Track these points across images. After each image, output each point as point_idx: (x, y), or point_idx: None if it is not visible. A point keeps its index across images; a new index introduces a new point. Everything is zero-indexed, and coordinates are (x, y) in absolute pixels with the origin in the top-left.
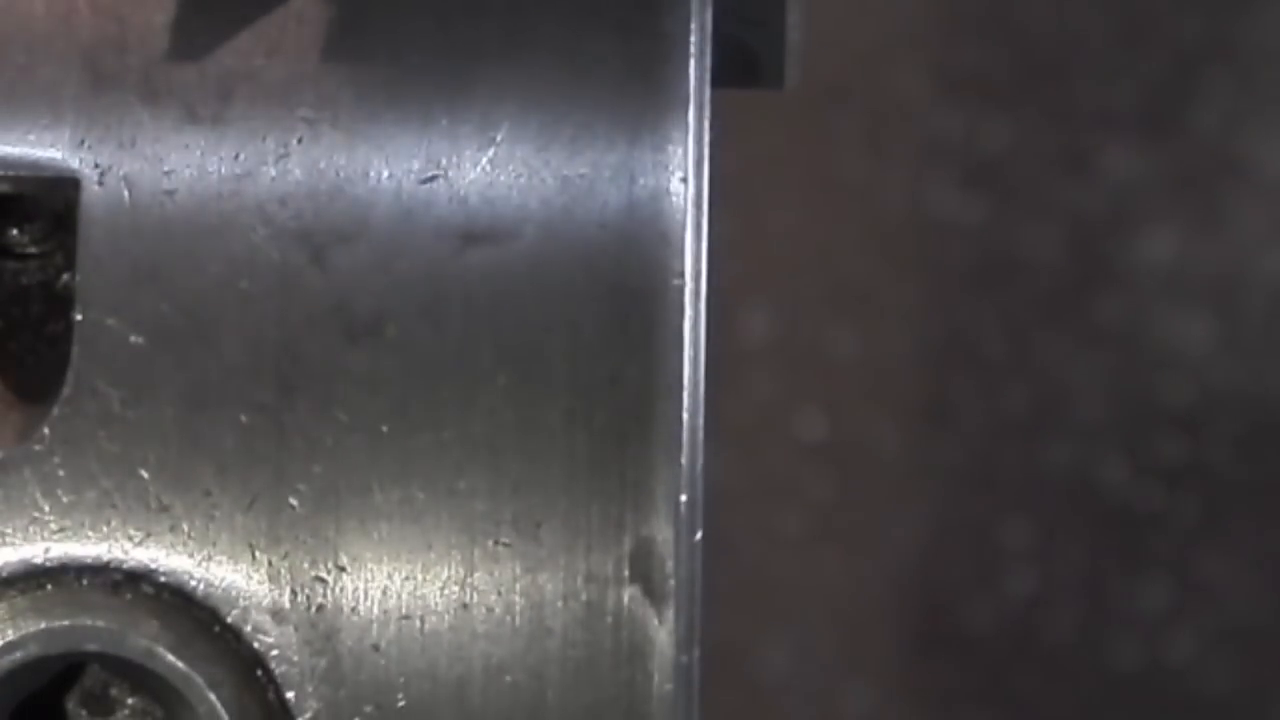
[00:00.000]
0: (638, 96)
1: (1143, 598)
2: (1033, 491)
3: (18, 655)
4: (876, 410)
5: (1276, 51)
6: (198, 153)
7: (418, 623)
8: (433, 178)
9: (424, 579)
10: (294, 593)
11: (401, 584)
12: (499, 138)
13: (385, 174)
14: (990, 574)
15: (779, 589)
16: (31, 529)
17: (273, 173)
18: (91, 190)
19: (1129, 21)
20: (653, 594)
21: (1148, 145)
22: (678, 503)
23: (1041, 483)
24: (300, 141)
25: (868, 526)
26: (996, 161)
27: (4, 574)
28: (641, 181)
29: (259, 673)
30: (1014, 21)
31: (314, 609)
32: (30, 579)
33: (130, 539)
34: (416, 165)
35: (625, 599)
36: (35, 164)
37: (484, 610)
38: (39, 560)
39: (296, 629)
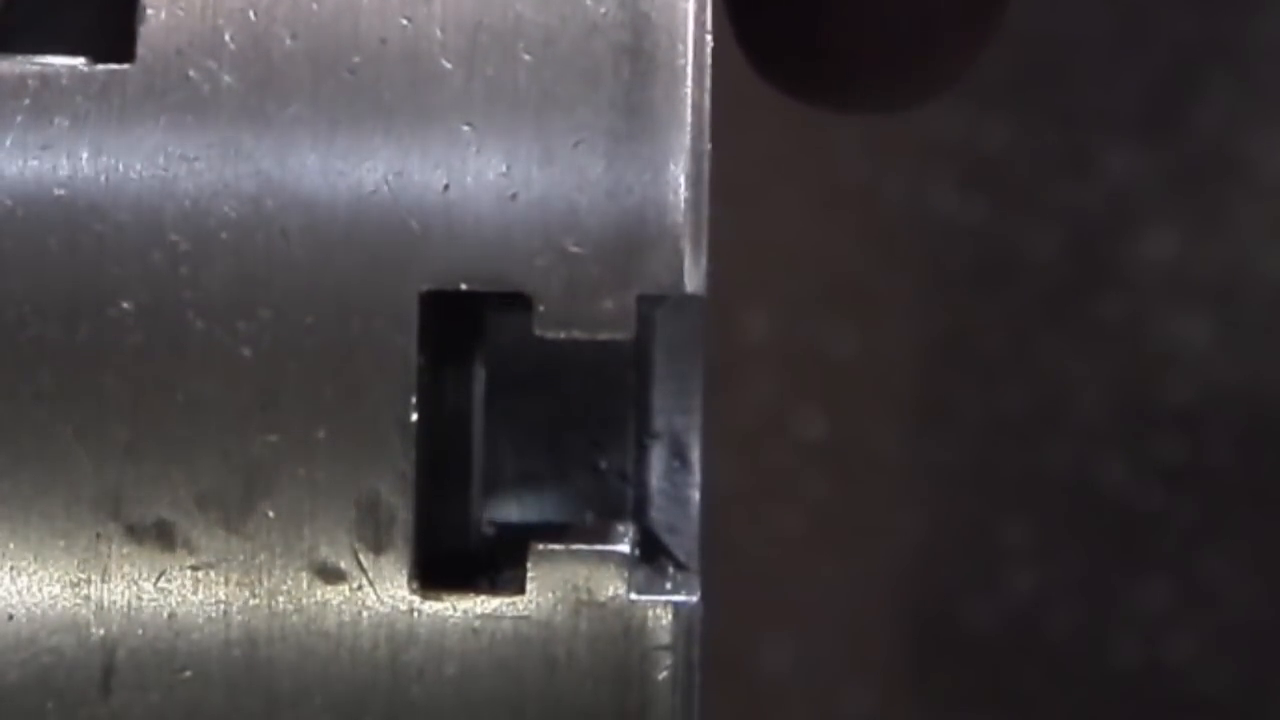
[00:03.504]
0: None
1: (1143, 598)
2: (1033, 491)
3: None
4: (876, 410)
5: (1277, 51)
6: None
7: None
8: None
9: None
10: None
11: None
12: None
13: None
14: (990, 574)
15: (779, 589)
16: None
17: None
18: None
19: (1129, 21)
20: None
21: (1148, 145)
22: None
23: (1041, 483)
24: None
25: (868, 526)
26: (996, 161)
27: None
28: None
29: None
30: (1014, 21)
31: None
32: None
33: None
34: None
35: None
36: None
37: None
38: None
39: None
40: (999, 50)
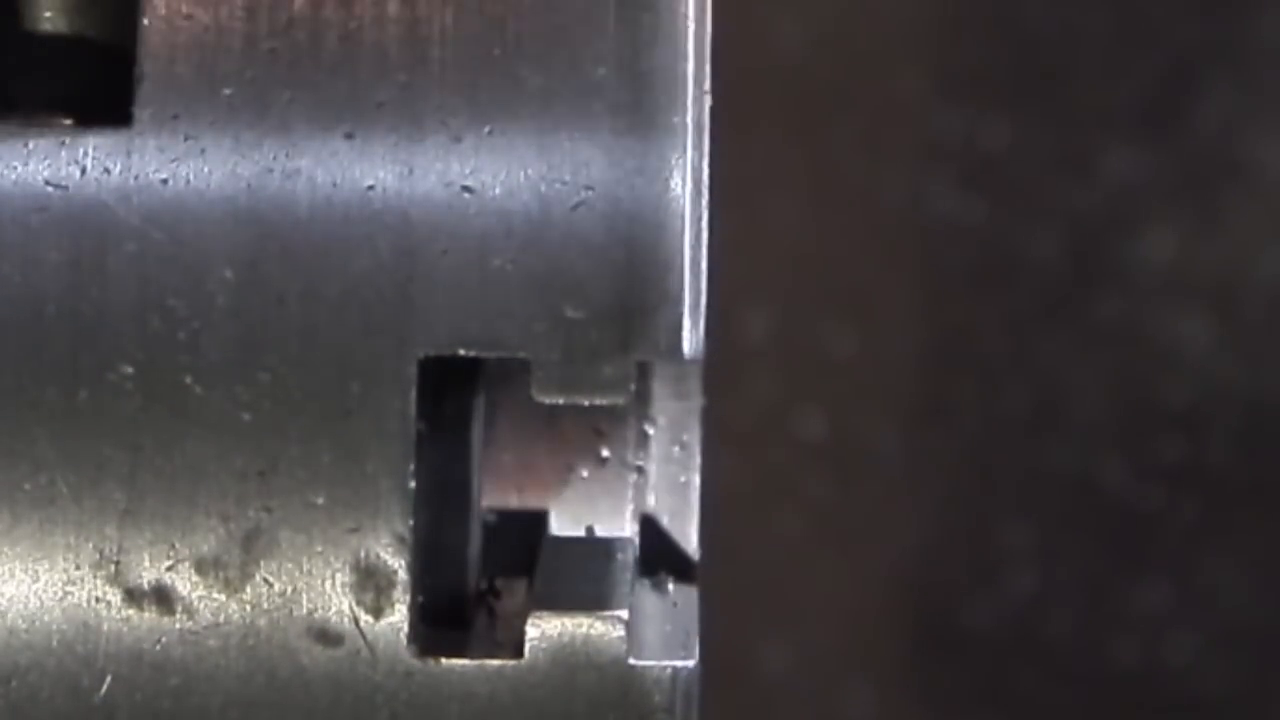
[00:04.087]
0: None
1: (1143, 598)
2: (1033, 491)
3: None
4: (876, 410)
5: (1276, 51)
6: None
7: None
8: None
9: None
10: None
11: None
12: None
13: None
14: (990, 574)
15: (779, 589)
16: None
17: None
18: None
19: (1129, 21)
20: None
21: (1148, 145)
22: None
23: (1041, 483)
24: None
25: (868, 526)
26: (996, 161)
27: None
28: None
29: None
30: (1014, 21)
31: None
32: None
33: None
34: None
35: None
36: None
37: None
38: None
39: None
40: (999, 50)
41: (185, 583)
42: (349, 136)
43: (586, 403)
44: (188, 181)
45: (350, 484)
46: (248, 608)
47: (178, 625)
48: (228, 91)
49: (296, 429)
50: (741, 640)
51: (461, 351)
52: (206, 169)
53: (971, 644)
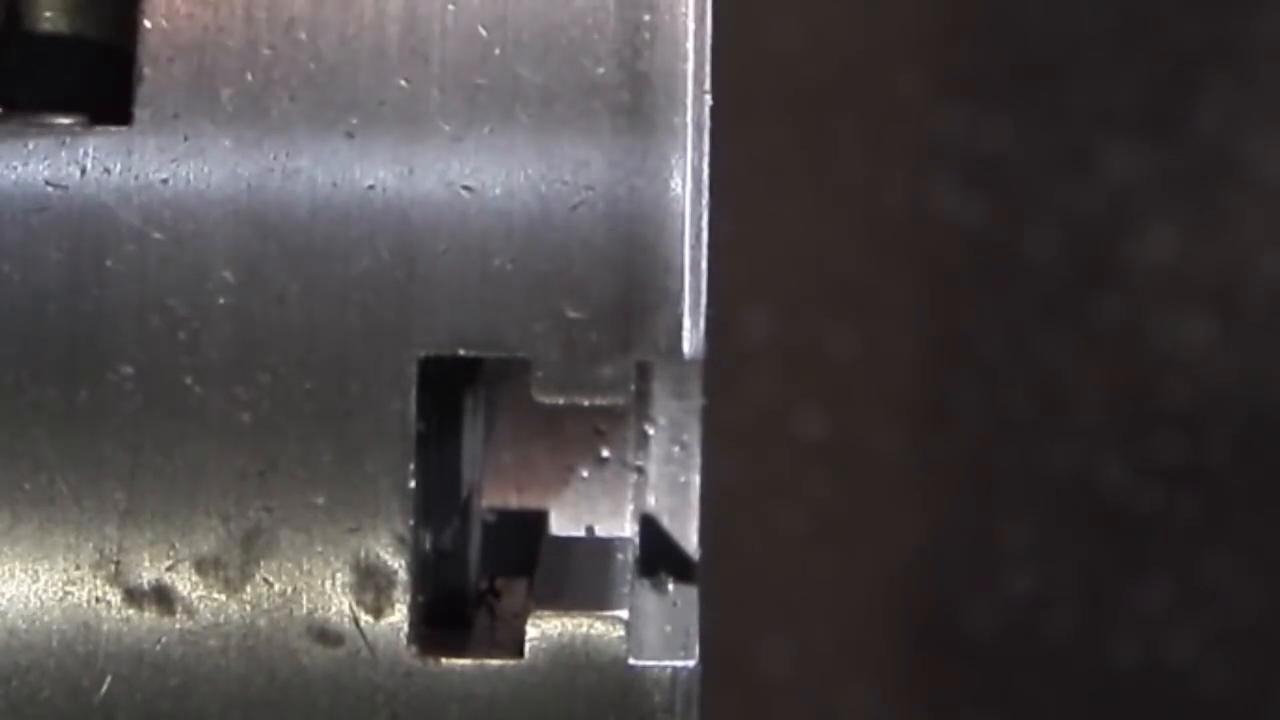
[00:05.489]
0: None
1: (1143, 598)
2: (1033, 491)
3: None
4: (876, 410)
5: (1276, 51)
6: None
7: None
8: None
9: None
10: None
11: None
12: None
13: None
14: (990, 574)
15: (779, 589)
16: None
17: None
18: None
19: (1129, 21)
20: None
21: (1148, 145)
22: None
23: (1041, 483)
24: None
25: (868, 526)
26: (996, 161)
27: None
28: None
29: None
30: (1014, 21)
31: None
32: None
33: None
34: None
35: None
36: None
37: None
38: None
39: None
40: (999, 50)
41: (185, 583)
42: (349, 136)
43: (586, 403)
44: (188, 181)
45: (350, 484)
46: (248, 608)
47: (178, 625)
48: (228, 91)
49: (296, 429)
50: (741, 640)
51: (461, 351)
52: (206, 169)
53: (971, 644)
